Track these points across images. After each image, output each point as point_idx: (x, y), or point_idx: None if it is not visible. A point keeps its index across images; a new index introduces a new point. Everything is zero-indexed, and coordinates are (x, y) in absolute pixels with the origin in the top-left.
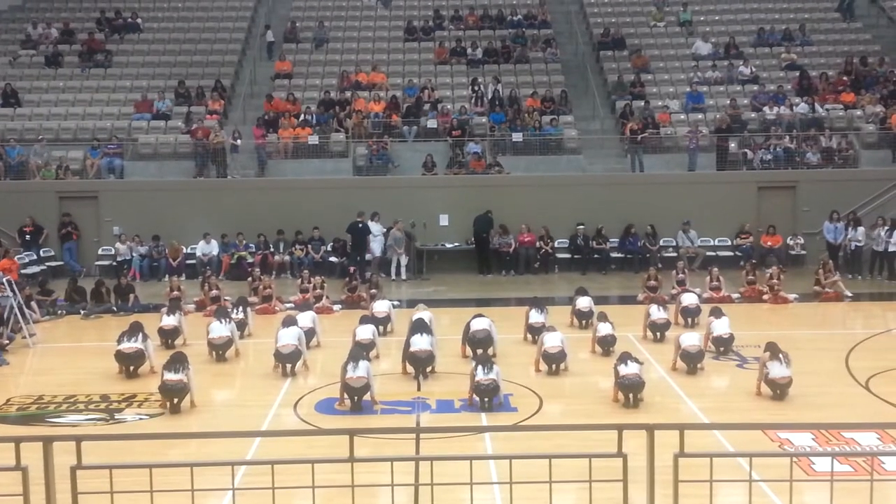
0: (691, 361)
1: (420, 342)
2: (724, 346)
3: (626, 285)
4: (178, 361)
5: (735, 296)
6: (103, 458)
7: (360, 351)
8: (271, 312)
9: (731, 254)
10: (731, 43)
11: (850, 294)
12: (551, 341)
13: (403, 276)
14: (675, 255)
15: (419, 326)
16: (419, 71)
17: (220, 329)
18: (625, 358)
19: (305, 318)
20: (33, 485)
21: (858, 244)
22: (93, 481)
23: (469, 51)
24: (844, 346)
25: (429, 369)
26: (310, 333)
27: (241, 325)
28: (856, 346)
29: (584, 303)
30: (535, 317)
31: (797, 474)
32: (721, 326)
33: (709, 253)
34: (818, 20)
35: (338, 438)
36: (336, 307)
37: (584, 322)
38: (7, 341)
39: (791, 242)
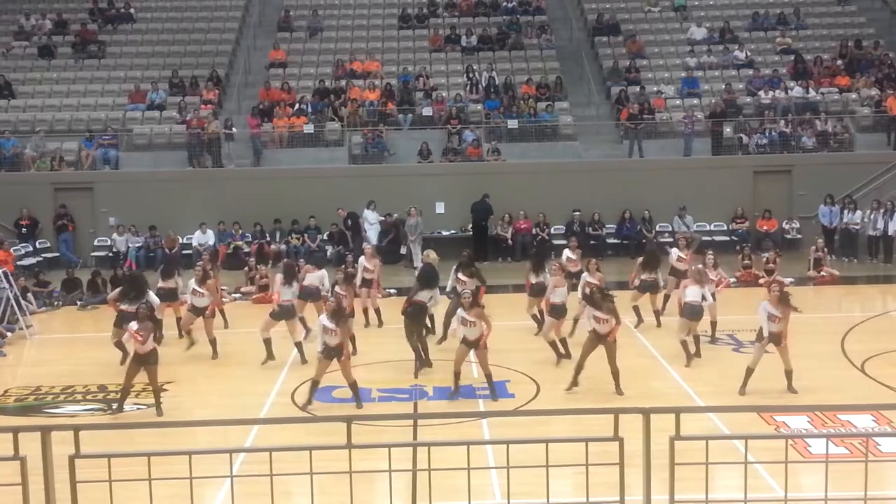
0: (695, 315)
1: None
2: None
3: (623, 271)
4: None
5: (731, 280)
6: (101, 448)
7: None
8: (268, 302)
9: (726, 238)
10: (725, 27)
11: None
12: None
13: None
14: (671, 240)
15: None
16: (414, 59)
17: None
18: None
19: (314, 278)
20: (32, 474)
21: (856, 227)
22: (91, 470)
23: (463, 38)
24: (840, 329)
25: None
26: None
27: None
28: (851, 328)
29: (567, 255)
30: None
31: (793, 456)
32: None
33: (705, 237)
34: (813, 4)
35: (335, 425)
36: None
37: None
38: (9, 334)
39: (787, 226)
